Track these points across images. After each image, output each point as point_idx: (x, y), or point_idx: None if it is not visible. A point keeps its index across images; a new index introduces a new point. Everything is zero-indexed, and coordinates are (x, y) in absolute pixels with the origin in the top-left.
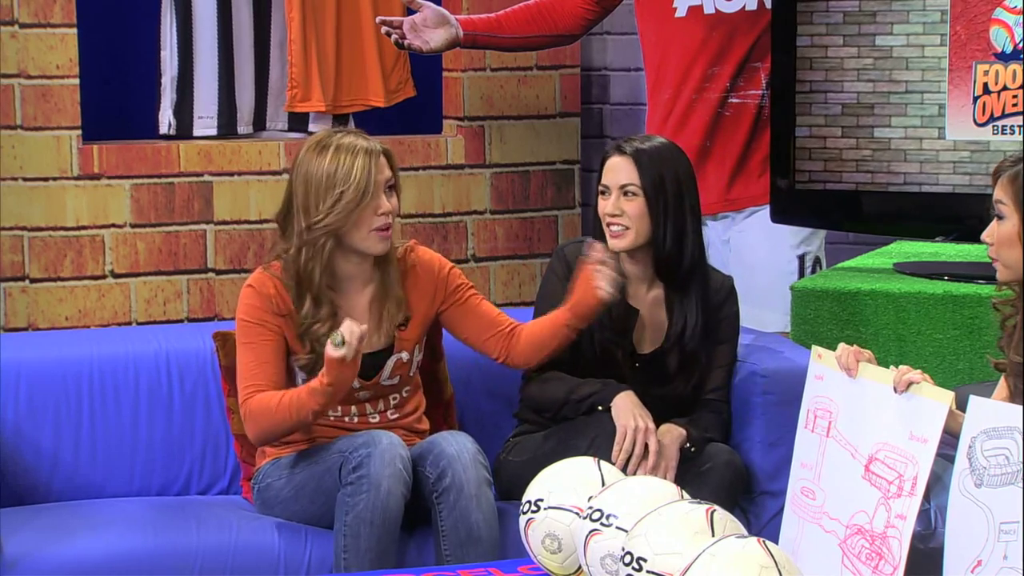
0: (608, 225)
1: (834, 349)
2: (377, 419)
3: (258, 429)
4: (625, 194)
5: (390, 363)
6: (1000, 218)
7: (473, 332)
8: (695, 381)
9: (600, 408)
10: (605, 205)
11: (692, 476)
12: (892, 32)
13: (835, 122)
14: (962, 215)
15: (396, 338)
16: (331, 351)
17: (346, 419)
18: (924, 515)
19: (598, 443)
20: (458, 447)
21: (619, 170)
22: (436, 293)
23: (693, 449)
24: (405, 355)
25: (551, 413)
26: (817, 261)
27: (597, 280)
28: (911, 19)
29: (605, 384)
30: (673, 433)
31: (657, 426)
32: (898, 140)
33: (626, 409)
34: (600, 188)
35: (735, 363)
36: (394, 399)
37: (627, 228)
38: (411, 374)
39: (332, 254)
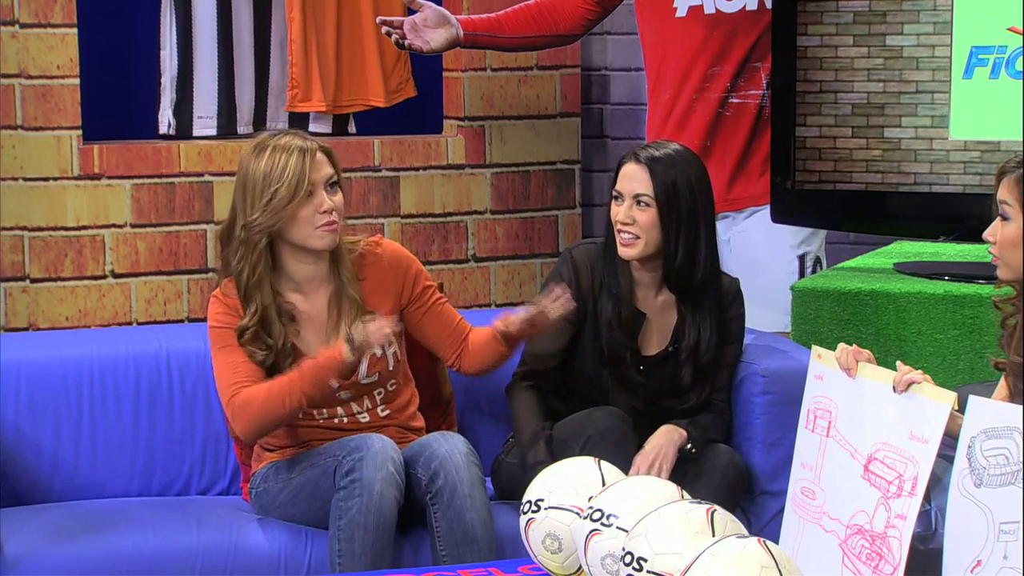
0: (619, 232)
1: (834, 349)
2: (367, 418)
3: (247, 423)
4: (638, 203)
5: (364, 361)
6: (1005, 219)
7: (433, 336)
8: (708, 391)
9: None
10: (617, 212)
11: (693, 476)
12: (902, 32)
13: (845, 122)
14: (968, 215)
15: None
16: (344, 351)
17: (335, 420)
18: (925, 516)
19: (592, 443)
20: (449, 448)
21: (633, 178)
22: (402, 290)
23: (695, 450)
24: (377, 350)
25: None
26: (817, 261)
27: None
28: (921, 19)
29: (540, 449)
30: (672, 435)
31: (657, 427)
32: (908, 140)
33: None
34: (613, 193)
35: (738, 364)
36: (379, 394)
37: (638, 237)
38: (390, 368)
39: (280, 257)
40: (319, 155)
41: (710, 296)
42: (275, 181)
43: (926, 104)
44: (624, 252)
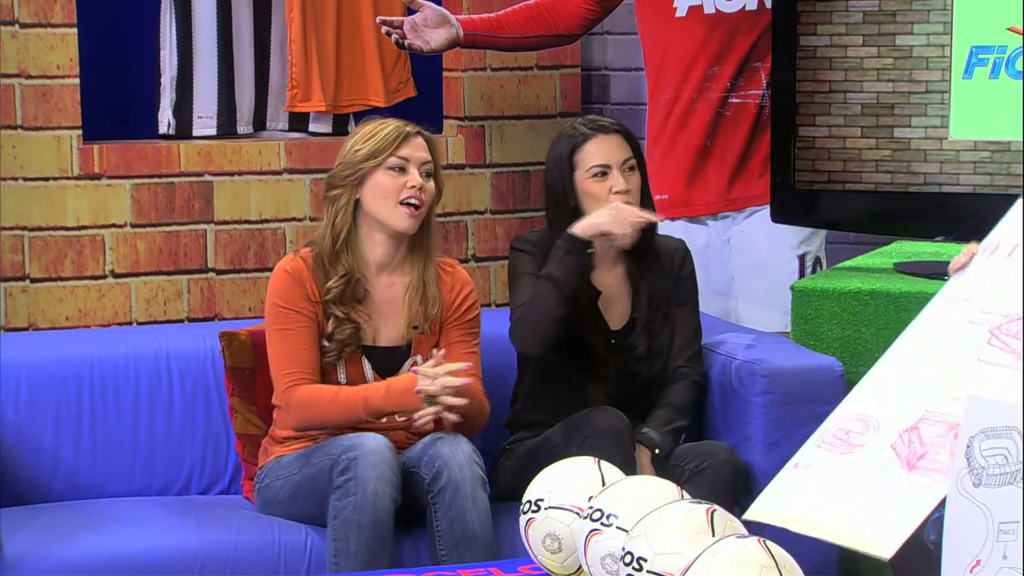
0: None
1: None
2: (384, 419)
3: (303, 419)
4: (628, 169)
5: (407, 366)
6: None
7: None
8: (667, 354)
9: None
10: (613, 184)
11: (690, 475)
12: (912, 32)
13: (854, 122)
14: (971, 215)
15: (414, 340)
16: (425, 402)
17: None
18: (939, 523)
19: (591, 443)
20: (453, 448)
21: (614, 147)
22: (452, 311)
23: (660, 452)
24: (420, 359)
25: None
26: (817, 261)
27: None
28: (931, 18)
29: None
30: (642, 459)
31: (638, 415)
32: (918, 140)
33: None
34: (598, 169)
35: (700, 328)
36: None
37: (632, 204)
38: None
39: (360, 230)
40: (418, 138)
41: (656, 256)
42: (360, 141)
43: (936, 104)
44: None
